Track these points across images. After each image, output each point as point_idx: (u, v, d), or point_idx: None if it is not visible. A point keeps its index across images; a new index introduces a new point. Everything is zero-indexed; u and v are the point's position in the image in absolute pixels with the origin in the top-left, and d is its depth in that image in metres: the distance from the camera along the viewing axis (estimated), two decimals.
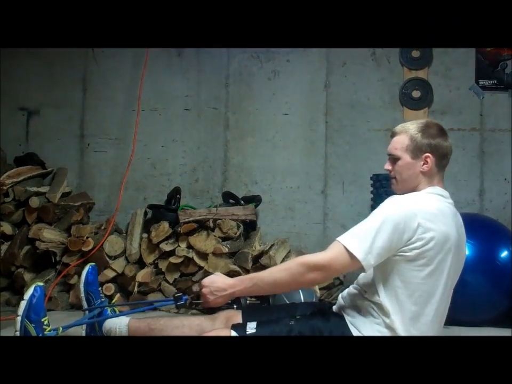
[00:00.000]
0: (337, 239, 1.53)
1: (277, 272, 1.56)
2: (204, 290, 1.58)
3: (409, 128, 1.65)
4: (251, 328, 1.58)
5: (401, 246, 1.51)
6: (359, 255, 1.47)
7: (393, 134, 1.68)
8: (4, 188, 3.12)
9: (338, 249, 1.50)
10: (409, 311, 1.54)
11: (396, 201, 1.57)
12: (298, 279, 1.53)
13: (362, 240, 1.49)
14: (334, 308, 1.76)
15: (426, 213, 1.53)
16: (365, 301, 1.61)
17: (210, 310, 1.64)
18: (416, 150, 1.62)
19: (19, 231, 3.13)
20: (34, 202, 3.10)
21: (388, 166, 1.68)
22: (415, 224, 1.50)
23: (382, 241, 1.49)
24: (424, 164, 1.62)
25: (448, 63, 3.44)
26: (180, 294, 1.75)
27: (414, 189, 1.63)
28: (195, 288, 1.68)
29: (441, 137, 1.67)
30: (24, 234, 3.09)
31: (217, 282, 1.58)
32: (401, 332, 1.53)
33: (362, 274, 1.70)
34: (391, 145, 1.67)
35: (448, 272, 1.57)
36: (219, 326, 1.78)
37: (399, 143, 1.64)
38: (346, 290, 1.74)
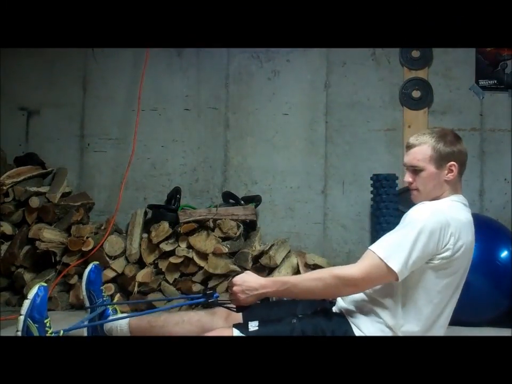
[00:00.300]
0: (372, 249, 1.51)
1: (311, 282, 1.54)
2: (235, 288, 1.57)
3: (429, 138, 1.63)
4: (253, 326, 1.58)
5: (434, 254, 1.51)
6: (396, 267, 1.46)
7: (411, 146, 1.65)
8: (4, 188, 3.12)
9: (374, 261, 1.48)
10: (425, 318, 1.55)
11: (430, 209, 1.56)
12: (332, 291, 1.55)
13: (399, 251, 1.47)
14: (334, 308, 1.75)
15: (458, 222, 1.55)
16: (369, 301, 1.61)
17: (240, 309, 1.63)
18: (441, 160, 1.62)
19: (19, 231, 3.13)
20: (34, 202, 3.10)
21: (408, 178, 1.65)
22: (449, 233, 1.51)
23: (418, 252, 1.48)
24: (448, 172, 1.63)
25: (448, 63, 3.44)
26: (211, 291, 1.73)
27: (437, 199, 1.64)
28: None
29: (460, 144, 1.68)
30: (24, 234, 3.09)
31: (249, 281, 1.56)
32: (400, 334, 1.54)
33: None
34: (411, 157, 1.64)
35: (460, 279, 1.61)
36: (218, 322, 1.78)
37: (421, 154, 1.62)
38: None
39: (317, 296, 1.62)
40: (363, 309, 1.62)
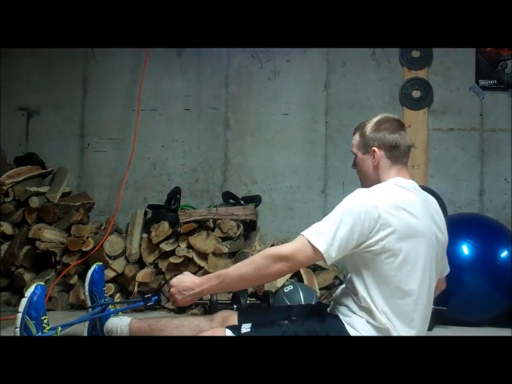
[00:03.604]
0: (301, 233, 1.56)
1: (243, 267, 1.57)
2: (172, 290, 1.60)
3: (363, 126, 1.72)
4: (246, 328, 1.58)
5: (364, 238, 1.52)
6: (321, 247, 1.50)
7: (353, 133, 1.76)
8: (4, 187, 3.12)
9: (302, 241, 1.53)
10: (388, 304, 1.54)
11: (357, 193, 1.61)
12: (263, 271, 1.54)
13: (324, 232, 1.52)
14: (329, 308, 1.75)
15: (386, 204, 1.54)
16: (351, 300, 1.61)
17: (180, 309, 1.66)
18: (365, 145, 1.69)
19: (19, 231, 3.13)
20: (34, 202, 3.10)
21: (353, 165, 1.76)
22: (376, 215, 1.52)
23: (343, 233, 1.51)
24: (373, 157, 1.68)
25: (448, 63, 3.44)
26: (150, 294, 1.77)
27: (377, 184, 1.65)
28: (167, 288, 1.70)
29: (388, 129, 1.69)
30: (24, 234, 3.09)
31: (184, 281, 1.59)
32: (388, 326, 1.53)
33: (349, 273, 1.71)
34: (351, 144, 1.75)
35: (423, 260, 1.57)
36: (216, 326, 1.78)
37: (355, 141, 1.73)
38: (339, 289, 1.74)
39: (252, 281, 1.65)
40: (355, 308, 1.60)
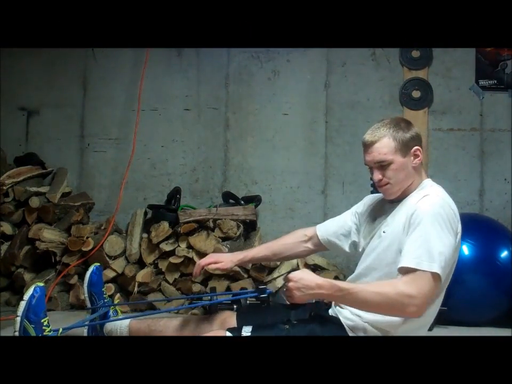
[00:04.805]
0: (407, 265, 1.46)
1: (372, 294, 1.47)
2: (290, 284, 1.53)
3: (386, 131, 1.61)
4: (246, 332, 1.57)
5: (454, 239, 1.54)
6: (440, 271, 1.45)
7: (371, 143, 1.61)
8: (4, 188, 3.12)
9: (424, 274, 1.45)
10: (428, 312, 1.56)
11: (435, 200, 1.55)
12: (395, 311, 1.49)
13: (432, 254, 1.46)
14: (330, 311, 1.74)
15: (456, 209, 1.58)
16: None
17: (293, 306, 1.60)
18: (405, 148, 1.61)
19: (19, 231, 3.13)
20: (34, 202, 3.10)
21: (378, 176, 1.62)
22: (458, 217, 1.56)
23: (446, 245, 1.49)
24: (415, 158, 1.63)
25: (448, 63, 3.43)
26: (264, 286, 1.72)
27: (408, 188, 1.63)
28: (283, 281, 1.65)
29: (414, 127, 1.68)
30: (24, 234, 3.09)
31: (306, 279, 1.52)
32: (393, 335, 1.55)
33: (354, 277, 1.71)
34: (376, 153, 1.60)
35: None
36: (216, 328, 1.77)
37: (385, 147, 1.59)
38: None
39: (374, 310, 1.53)
40: (362, 312, 1.60)
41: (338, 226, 1.88)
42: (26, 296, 1.62)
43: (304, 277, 1.53)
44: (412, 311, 1.45)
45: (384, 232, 1.62)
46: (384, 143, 1.59)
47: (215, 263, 1.91)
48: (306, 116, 3.49)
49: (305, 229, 1.97)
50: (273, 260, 2.74)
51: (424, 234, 1.49)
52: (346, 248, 1.85)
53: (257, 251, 1.99)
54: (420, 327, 1.62)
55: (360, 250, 1.75)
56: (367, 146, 1.62)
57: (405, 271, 1.46)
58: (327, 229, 1.90)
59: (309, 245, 1.93)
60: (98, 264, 2.16)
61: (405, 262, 1.47)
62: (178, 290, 3.02)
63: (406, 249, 1.50)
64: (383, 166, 1.60)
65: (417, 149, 1.62)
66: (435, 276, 1.45)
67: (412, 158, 1.62)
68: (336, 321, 1.65)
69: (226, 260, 1.92)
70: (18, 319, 1.59)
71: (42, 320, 1.62)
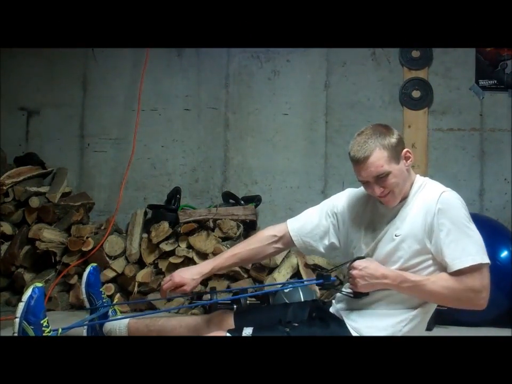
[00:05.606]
0: (465, 265, 1.50)
1: (440, 288, 1.52)
2: (355, 272, 1.53)
3: (372, 142, 1.56)
4: (247, 333, 1.56)
5: None
6: (486, 259, 1.52)
7: (363, 159, 1.56)
8: (4, 188, 3.12)
9: (480, 267, 1.51)
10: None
11: (454, 195, 1.60)
12: (463, 304, 1.57)
13: (479, 247, 1.53)
14: (331, 309, 1.72)
15: None
16: (373, 304, 1.59)
17: (357, 295, 1.58)
18: (396, 153, 1.58)
19: (19, 231, 3.13)
20: (34, 202, 3.11)
21: (379, 189, 1.58)
22: None
23: (480, 237, 1.56)
24: (406, 160, 1.62)
25: (448, 63, 3.44)
26: (328, 273, 1.68)
27: (407, 191, 1.63)
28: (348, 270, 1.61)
29: (393, 128, 1.65)
30: (24, 234, 3.09)
31: (370, 268, 1.53)
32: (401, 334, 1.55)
33: None
34: (372, 168, 1.55)
35: None
36: (213, 328, 1.76)
37: (381, 159, 1.55)
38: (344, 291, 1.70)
39: (440, 302, 1.62)
40: (365, 311, 1.60)
41: (314, 226, 1.79)
42: (25, 298, 1.59)
43: (369, 266, 1.53)
44: (481, 303, 1.53)
45: (396, 235, 1.58)
46: (377, 155, 1.55)
47: (178, 285, 1.78)
48: (306, 116, 3.49)
49: (273, 228, 1.85)
50: (243, 265, 2.70)
51: (463, 232, 1.53)
52: (321, 249, 1.79)
53: (225, 260, 1.83)
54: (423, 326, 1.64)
55: (359, 255, 1.68)
56: (360, 163, 1.57)
57: (465, 270, 1.50)
58: (301, 229, 1.80)
59: (279, 245, 1.83)
60: (95, 264, 2.15)
61: (462, 263, 1.50)
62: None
63: (452, 250, 1.52)
64: (381, 178, 1.56)
65: (407, 151, 1.61)
66: (487, 266, 1.52)
67: (404, 161, 1.61)
68: (338, 320, 1.64)
69: (188, 280, 1.77)
70: (17, 320, 1.57)
71: (41, 321, 1.60)
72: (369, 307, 1.60)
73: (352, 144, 1.60)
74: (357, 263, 1.54)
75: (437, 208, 1.54)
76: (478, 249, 1.51)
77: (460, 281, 1.50)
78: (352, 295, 1.60)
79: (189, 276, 1.78)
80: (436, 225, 1.53)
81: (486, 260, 1.51)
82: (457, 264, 1.50)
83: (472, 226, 1.54)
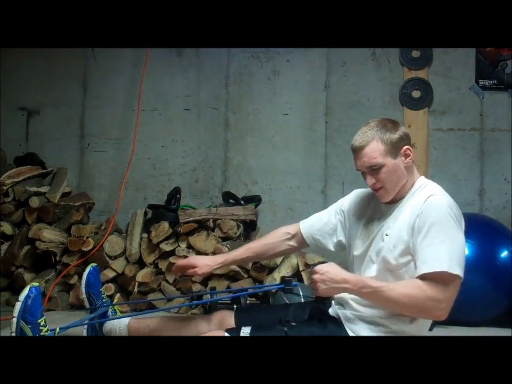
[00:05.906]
0: (433, 269, 1.45)
1: (400, 295, 1.47)
2: (316, 276, 1.52)
3: (373, 134, 1.58)
4: (245, 333, 1.57)
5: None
6: (461, 272, 1.47)
7: (360, 148, 1.58)
8: (4, 188, 3.12)
9: (446, 277, 1.45)
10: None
11: (443, 200, 1.55)
12: (422, 314, 1.51)
13: (457, 257, 1.48)
14: (330, 310, 1.72)
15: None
16: (370, 305, 1.59)
17: (318, 299, 1.58)
18: (395, 149, 1.58)
19: (19, 231, 3.13)
20: (34, 202, 3.10)
21: (372, 180, 1.59)
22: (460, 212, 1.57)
23: (460, 248, 1.51)
24: (406, 157, 1.61)
25: (448, 63, 3.44)
26: (290, 278, 1.71)
27: (403, 188, 1.61)
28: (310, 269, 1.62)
29: (401, 126, 1.65)
30: (24, 234, 3.09)
31: (331, 272, 1.51)
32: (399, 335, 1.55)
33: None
34: (366, 158, 1.57)
35: None
36: (214, 327, 1.77)
37: (375, 151, 1.56)
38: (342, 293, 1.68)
39: (399, 311, 1.53)
40: (363, 313, 1.60)
41: (323, 224, 1.84)
42: (22, 297, 1.59)
43: (330, 270, 1.51)
44: (439, 314, 1.46)
45: (387, 235, 1.59)
46: (373, 147, 1.57)
47: (192, 266, 1.83)
48: (306, 115, 3.49)
49: (288, 227, 1.91)
50: (257, 260, 2.74)
51: (439, 236, 1.48)
52: (331, 247, 1.81)
53: (239, 253, 1.89)
54: (424, 327, 1.62)
55: (356, 253, 1.69)
56: (356, 151, 1.60)
57: (429, 275, 1.45)
58: (312, 227, 1.85)
59: (293, 243, 1.87)
60: (95, 264, 2.15)
61: (428, 268, 1.46)
62: (178, 290, 3.02)
63: (424, 253, 1.48)
64: (375, 170, 1.58)
65: (407, 148, 1.60)
66: (457, 277, 1.46)
67: (403, 158, 1.60)
68: (335, 321, 1.64)
69: (202, 264, 1.82)
70: (15, 320, 1.57)
71: (39, 320, 1.60)
72: (368, 309, 1.59)
73: (356, 134, 1.63)
74: (318, 268, 1.54)
75: (420, 211, 1.53)
76: (450, 258, 1.45)
77: (420, 289, 1.45)
78: (313, 299, 1.60)
79: (203, 260, 1.85)
80: (416, 227, 1.52)
81: (457, 271, 1.45)
82: (423, 268, 1.46)
83: (455, 235, 1.49)
